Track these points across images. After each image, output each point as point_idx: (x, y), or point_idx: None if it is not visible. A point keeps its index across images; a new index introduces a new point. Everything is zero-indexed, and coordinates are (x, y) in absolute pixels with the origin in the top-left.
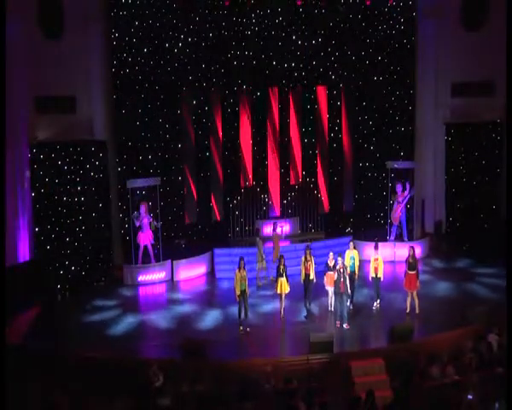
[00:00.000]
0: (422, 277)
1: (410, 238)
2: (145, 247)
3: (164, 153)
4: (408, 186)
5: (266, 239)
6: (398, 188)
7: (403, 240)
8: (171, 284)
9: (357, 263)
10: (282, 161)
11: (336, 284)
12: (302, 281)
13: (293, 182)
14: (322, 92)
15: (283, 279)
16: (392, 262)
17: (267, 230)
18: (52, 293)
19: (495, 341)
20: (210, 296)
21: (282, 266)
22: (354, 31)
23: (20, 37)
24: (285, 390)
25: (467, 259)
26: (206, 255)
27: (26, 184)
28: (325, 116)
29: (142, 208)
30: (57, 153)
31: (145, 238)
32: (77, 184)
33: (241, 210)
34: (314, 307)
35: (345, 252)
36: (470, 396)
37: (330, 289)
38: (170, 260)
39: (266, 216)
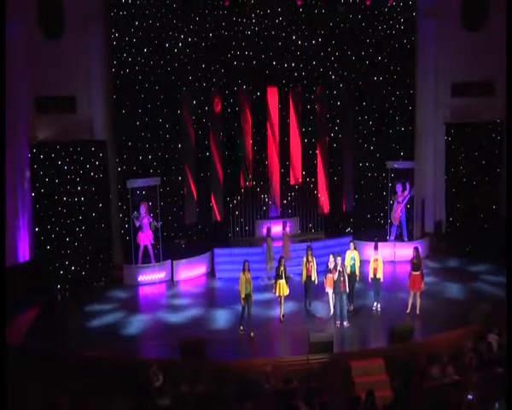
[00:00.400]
0: None
1: (410, 238)
2: (145, 247)
3: (164, 153)
4: (408, 186)
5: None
6: (398, 188)
7: (403, 240)
8: (171, 283)
9: (357, 264)
10: (282, 161)
11: (336, 283)
12: (303, 282)
13: (293, 182)
14: (320, 92)
15: (282, 281)
16: (392, 262)
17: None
18: (52, 293)
19: (495, 341)
20: (210, 296)
21: (281, 268)
22: (354, 31)
23: (20, 37)
24: (285, 390)
25: (467, 259)
26: (206, 255)
27: (26, 184)
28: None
29: (142, 208)
30: (57, 153)
31: (145, 238)
32: (77, 184)
33: (241, 210)
34: (314, 308)
35: (345, 252)
36: (470, 396)
37: (330, 291)
38: (170, 260)
39: (266, 216)
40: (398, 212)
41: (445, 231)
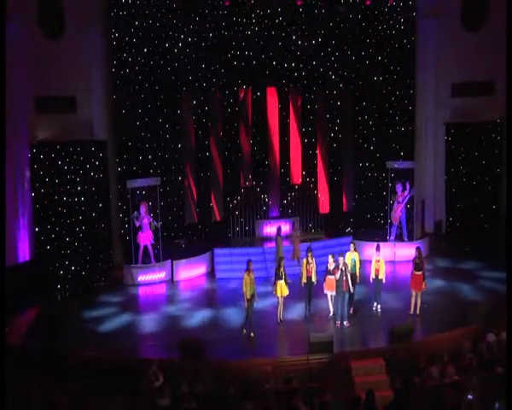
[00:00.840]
0: None
1: (410, 238)
2: (145, 247)
3: (164, 153)
4: (408, 186)
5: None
6: (398, 188)
7: (403, 240)
8: (171, 283)
9: (357, 265)
10: (282, 161)
11: (339, 282)
12: (303, 284)
13: (293, 182)
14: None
15: (282, 282)
16: (393, 262)
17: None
18: (52, 293)
19: (495, 341)
20: (210, 296)
21: (281, 269)
22: (354, 31)
23: (20, 37)
24: (285, 390)
25: (467, 258)
26: (206, 255)
27: (26, 184)
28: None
29: (142, 208)
30: (57, 153)
31: (145, 238)
32: (77, 184)
33: (241, 210)
34: (315, 309)
35: (345, 253)
36: (470, 396)
37: (329, 293)
38: (170, 260)
39: (266, 216)
40: (398, 212)
41: (445, 230)
